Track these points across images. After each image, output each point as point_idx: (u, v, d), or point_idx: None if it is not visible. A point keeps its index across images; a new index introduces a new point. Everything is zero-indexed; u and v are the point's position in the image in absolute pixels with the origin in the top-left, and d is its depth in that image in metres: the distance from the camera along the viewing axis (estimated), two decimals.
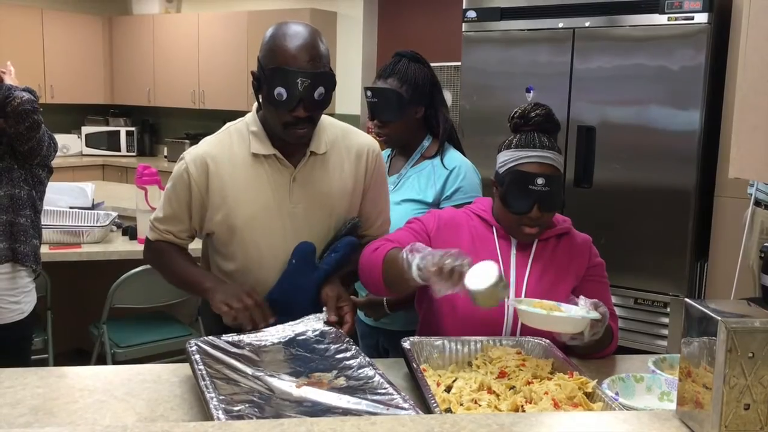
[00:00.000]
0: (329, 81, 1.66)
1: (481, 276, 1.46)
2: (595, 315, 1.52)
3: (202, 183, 1.74)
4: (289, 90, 1.61)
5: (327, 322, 1.66)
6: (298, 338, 1.60)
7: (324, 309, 1.70)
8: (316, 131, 1.75)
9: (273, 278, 1.76)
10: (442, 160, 2.14)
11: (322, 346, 1.56)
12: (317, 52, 1.64)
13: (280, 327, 1.64)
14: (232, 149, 1.76)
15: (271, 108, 1.67)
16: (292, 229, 1.76)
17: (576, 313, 1.53)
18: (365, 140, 1.87)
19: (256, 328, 1.63)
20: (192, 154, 1.77)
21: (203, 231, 1.83)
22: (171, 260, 1.84)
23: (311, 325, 1.65)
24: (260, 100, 1.71)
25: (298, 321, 1.66)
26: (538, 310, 1.51)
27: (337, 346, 1.56)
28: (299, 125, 1.66)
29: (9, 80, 2.43)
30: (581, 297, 1.59)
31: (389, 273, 1.64)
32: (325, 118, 1.80)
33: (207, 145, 1.79)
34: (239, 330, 1.64)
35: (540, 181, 1.68)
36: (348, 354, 1.52)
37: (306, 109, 1.64)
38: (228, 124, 1.83)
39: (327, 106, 1.69)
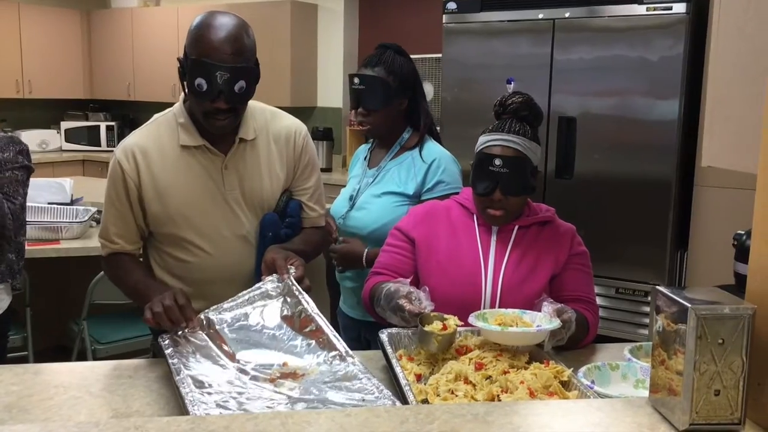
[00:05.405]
0: (251, 75, 1.67)
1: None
2: (555, 324, 1.51)
3: (135, 175, 1.74)
4: (209, 82, 1.62)
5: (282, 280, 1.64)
6: (268, 331, 1.57)
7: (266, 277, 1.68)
8: (245, 118, 1.78)
9: (222, 266, 1.78)
10: (420, 152, 2.14)
11: (292, 336, 1.55)
12: (240, 46, 1.65)
13: (250, 315, 1.60)
14: (161, 141, 1.77)
15: (192, 97, 1.69)
16: (231, 214, 1.79)
17: (538, 322, 1.54)
18: (293, 123, 1.91)
19: (178, 329, 1.53)
20: (121, 147, 1.78)
21: (148, 227, 1.80)
22: (125, 273, 1.81)
23: (269, 291, 1.63)
24: (185, 89, 1.72)
25: (254, 290, 1.63)
26: (493, 327, 1.50)
27: (311, 337, 1.54)
28: (220, 115, 1.68)
29: None
30: (545, 303, 1.59)
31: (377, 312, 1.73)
32: (254, 104, 1.83)
33: (136, 137, 1.79)
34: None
35: (497, 162, 1.70)
36: (323, 344, 1.51)
37: (226, 101, 1.65)
38: (156, 116, 1.84)
39: (249, 98, 1.73)
